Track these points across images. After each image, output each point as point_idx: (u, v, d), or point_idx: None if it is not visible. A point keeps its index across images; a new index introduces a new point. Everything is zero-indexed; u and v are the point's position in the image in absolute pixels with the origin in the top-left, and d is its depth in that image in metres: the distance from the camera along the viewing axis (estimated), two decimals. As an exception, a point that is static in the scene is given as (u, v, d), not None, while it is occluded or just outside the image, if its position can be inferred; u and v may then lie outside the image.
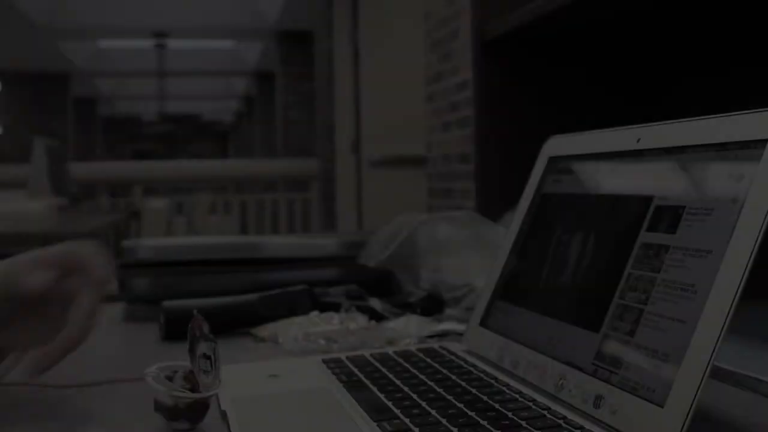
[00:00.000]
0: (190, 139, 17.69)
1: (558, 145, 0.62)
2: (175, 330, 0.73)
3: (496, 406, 0.48)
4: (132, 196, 5.99)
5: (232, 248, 0.95)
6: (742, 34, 1.00)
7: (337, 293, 0.83)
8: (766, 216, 0.39)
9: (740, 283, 0.39)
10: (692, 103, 1.02)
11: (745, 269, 0.39)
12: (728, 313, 0.39)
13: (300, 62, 7.73)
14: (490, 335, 0.60)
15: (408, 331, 0.74)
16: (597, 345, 0.47)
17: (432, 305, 0.82)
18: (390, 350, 0.63)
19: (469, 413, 0.46)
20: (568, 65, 1.18)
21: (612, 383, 0.44)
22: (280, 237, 1.02)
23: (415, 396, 0.50)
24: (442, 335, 0.74)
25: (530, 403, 0.48)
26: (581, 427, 0.44)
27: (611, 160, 0.54)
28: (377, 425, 0.45)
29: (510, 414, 0.46)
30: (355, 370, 0.57)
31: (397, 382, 0.54)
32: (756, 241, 0.39)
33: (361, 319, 0.77)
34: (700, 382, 0.38)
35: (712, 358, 0.38)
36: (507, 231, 0.64)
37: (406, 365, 0.58)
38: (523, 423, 0.44)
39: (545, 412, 0.46)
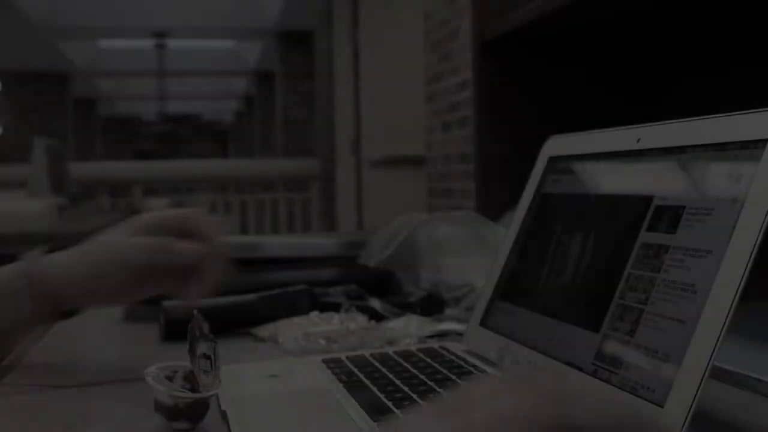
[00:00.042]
0: (190, 139, 17.69)
1: (558, 145, 0.62)
2: (175, 330, 0.73)
3: (496, 406, 0.48)
4: (132, 196, 5.99)
5: (232, 248, 0.95)
6: (742, 34, 1.00)
7: (337, 293, 0.83)
8: (766, 216, 0.39)
9: (740, 283, 0.39)
10: (692, 103, 1.01)
11: (745, 269, 0.39)
12: (728, 313, 0.39)
13: (300, 62, 7.73)
14: (490, 335, 0.60)
15: (408, 331, 0.74)
16: (597, 345, 0.47)
17: (432, 305, 0.82)
18: (390, 350, 0.63)
19: (469, 413, 0.46)
20: (568, 65, 1.18)
21: (612, 383, 0.44)
22: (280, 237, 1.02)
23: (415, 396, 0.50)
24: (442, 335, 0.74)
25: (530, 403, 0.48)
26: (581, 427, 0.44)
27: (611, 160, 0.54)
28: (377, 425, 0.45)
29: (510, 414, 0.46)
30: (355, 370, 0.57)
31: (397, 382, 0.54)
32: (756, 241, 0.39)
33: (361, 319, 0.77)
34: (700, 382, 0.38)
35: (712, 358, 0.38)
36: (507, 231, 0.64)
37: (406, 365, 0.58)
38: (523, 423, 0.44)
39: (545, 412, 0.46)
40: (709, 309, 0.40)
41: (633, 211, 0.49)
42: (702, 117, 0.46)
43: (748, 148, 0.42)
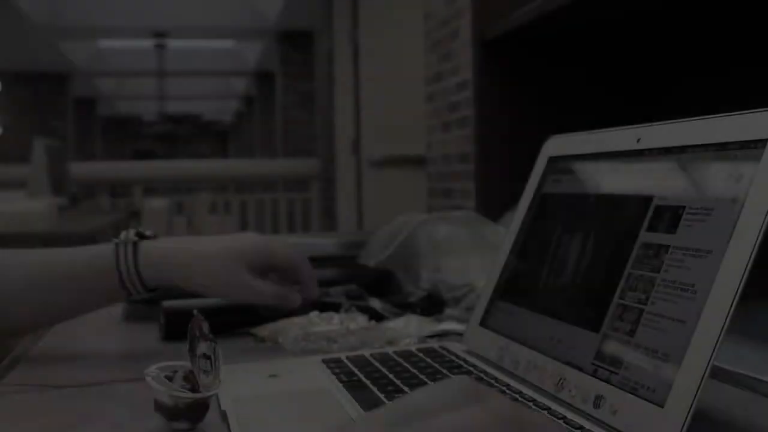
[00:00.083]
0: (190, 139, 17.68)
1: (558, 145, 0.62)
2: (175, 330, 0.73)
3: (496, 406, 0.48)
4: (132, 196, 5.99)
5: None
6: (742, 34, 0.99)
7: (337, 293, 0.83)
8: (766, 216, 0.39)
9: (740, 283, 0.39)
10: (692, 103, 1.01)
11: (745, 269, 0.39)
12: (728, 313, 0.39)
13: (300, 62, 7.73)
14: (490, 335, 0.60)
15: (408, 331, 0.74)
16: (597, 345, 0.47)
17: (432, 305, 0.82)
18: (390, 350, 0.63)
19: (469, 413, 0.46)
20: (568, 65, 1.18)
21: (612, 383, 0.44)
22: (280, 237, 1.02)
23: (415, 396, 0.50)
24: (442, 335, 0.74)
25: (530, 403, 0.48)
26: (581, 427, 0.44)
27: (611, 160, 0.54)
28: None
29: (510, 414, 0.46)
30: (355, 370, 0.57)
31: (397, 382, 0.54)
32: (756, 241, 0.39)
33: (361, 319, 0.77)
34: (700, 382, 0.38)
35: (712, 358, 0.38)
36: (507, 231, 0.64)
37: (406, 365, 0.58)
38: (523, 423, 0.44)
39: (545, 412, 0.46)
40: (709, 309, 0.40)
41: (633, 211, 0.49)
42: (702, 117, 0.46)
43: (748, 148, 0.42)
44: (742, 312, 0.39)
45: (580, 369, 0.47)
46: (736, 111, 0.44)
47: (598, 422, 0.44)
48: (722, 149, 0.44)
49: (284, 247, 0.73)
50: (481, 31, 1.16)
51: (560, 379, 0.49)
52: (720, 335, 0.38)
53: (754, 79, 0.96)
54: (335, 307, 0.80)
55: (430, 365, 0.58)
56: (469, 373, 0.56)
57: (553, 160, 0.61)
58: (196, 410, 0.48)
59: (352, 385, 0.54)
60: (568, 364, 0.49)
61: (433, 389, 0.26)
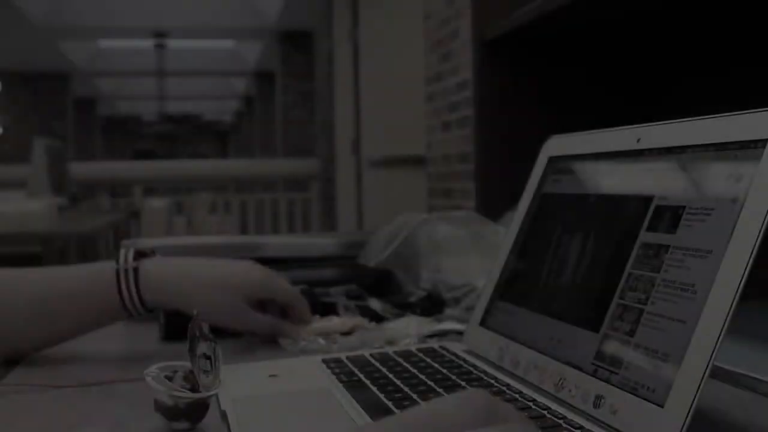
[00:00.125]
0: (190, 139, 17.69)
1: (558, 145, 0.62)
2: (175, 330, 0.73)
3: (496, 406, 0.48)
4: (132, 196, 6.00)
5: (232, 248, 0.95)
6: (742, 34, 1.00)
7: (337, 293, 0.83)
8: (766, 216, 0.39)
9: (740, 283, 0.39)
10: (692, 103, 1.01)
11: (745, 269, 0.39)
12: (728, 313, 0.39)
13: (300, 62, 7.73)
14: (490, 335, 0.60)
15: (408, 331, 0.74)
16: (597, 345, 0.47)
17: (432, 305, 0.82)
18: (390, 350, 0.63)
19: (469, 413, 0.46)
20: (568, 65, 1.18)
21: (612, 383, 0.44)
22: (280, 237, 1.02)
23: (415, 396, 0.50)
24: (442, 335, 0.74)
25: (530, 403, 0.48)
26: (581, 427, 0.44)
27: (611, 160, 0.54)
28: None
29: (510, 414, 0.46)
30: (355, 370, 0.57)
31: (397, 382, 0.54)
32: (756, 241, 0.39)
33: (361, 319, 0.77)
34: (700, 382, 0.38)
35: (712, 358, 0.38)
36: (507, 231, 0.64)
37: (406, 365, 0.58)
38: (523, 423, 0.44)
39: (545, 412, 0.46)
40: (709, 309, 0.40)
41: (633, 211, 0.49)
42: (702, 117, 0.46)
43: (748, 148, 0.42)
44: (742, 312, 0.39)
45: (580, 369, 0.47)
46: (736, 111, 0.44)
47: (598, 422, 0.44)
48: (722, 149, 0.44)
49: (283, 283, 0.75)
50: (481, 31, 1.16)
51: (560, 379, 0.49)
52: (720, 335, 0.38)
53: (754, 79, 0.96)
54: (335, 308, 0.80)
55: (430, 365, 0.58)
56: (469, 373, 0.56)
57: (553, 160, 0.61)
58: (196, 410, 0.48)
59: (352, 385, 0.54)
60: (568, 364, 0.49)
61: (451, 404, 0.25)
